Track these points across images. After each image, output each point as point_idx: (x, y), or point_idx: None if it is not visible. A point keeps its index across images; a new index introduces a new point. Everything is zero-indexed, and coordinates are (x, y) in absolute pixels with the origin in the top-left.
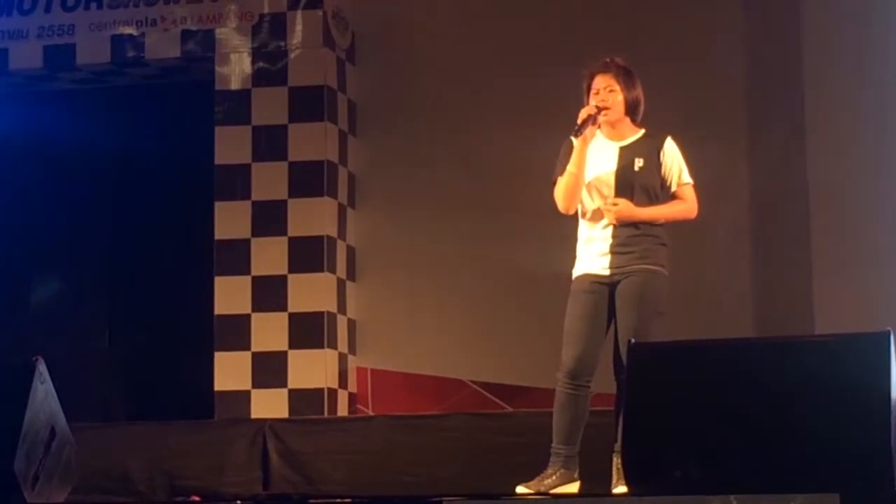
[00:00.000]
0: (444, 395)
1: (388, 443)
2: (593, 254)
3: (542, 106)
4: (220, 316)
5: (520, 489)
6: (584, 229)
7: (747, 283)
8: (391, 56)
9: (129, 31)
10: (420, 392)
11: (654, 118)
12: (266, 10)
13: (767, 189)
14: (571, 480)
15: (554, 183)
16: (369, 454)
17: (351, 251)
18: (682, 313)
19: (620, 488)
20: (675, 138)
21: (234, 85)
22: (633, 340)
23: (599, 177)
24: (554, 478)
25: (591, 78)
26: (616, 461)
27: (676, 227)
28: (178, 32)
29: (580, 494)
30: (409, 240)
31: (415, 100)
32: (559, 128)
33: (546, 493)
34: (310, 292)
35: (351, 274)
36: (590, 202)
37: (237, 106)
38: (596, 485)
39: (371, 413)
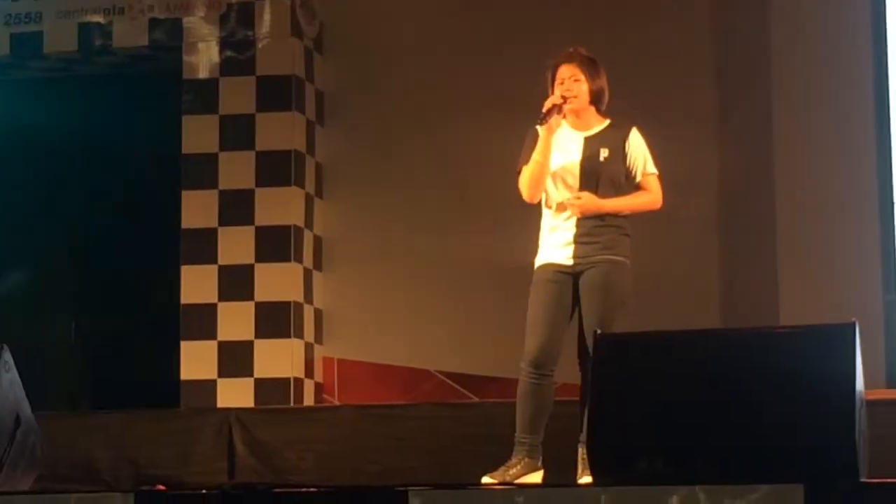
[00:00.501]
0: (411, 385)
1: (354, 433)
2: (557, 243)
3: (510, 95)
4: (186, 305)
5: (485, 479)
6: (548, 219)
7: (714, 274)
8: (359, 46)
9: (97, 19)
10: (386, 382)
11: (622, 109)
12: (234, 0)
13: (734, 181)
14: (535, 469)
15: (518, 172)
16: (335, 444)
17: (318, 241)
18: (649, 304)
19: (586, 478)
20: (641, 129)
21: (202, 74)
22: (598, 331)
23: (564, 166)
24: (518, 467)
25: (556, 68)
26: (581, 451)
27: (644, 217)
28: (146, 21)
29: (545, 484)
30: (376, 230)
31: (383, 89)
32: (528, 117)
33: (511, 483)
34: (277, 282)
35: (318, 264)
36: (554, 192)
37: (205, 95)
38: (561, 475)
39: (337, 403)
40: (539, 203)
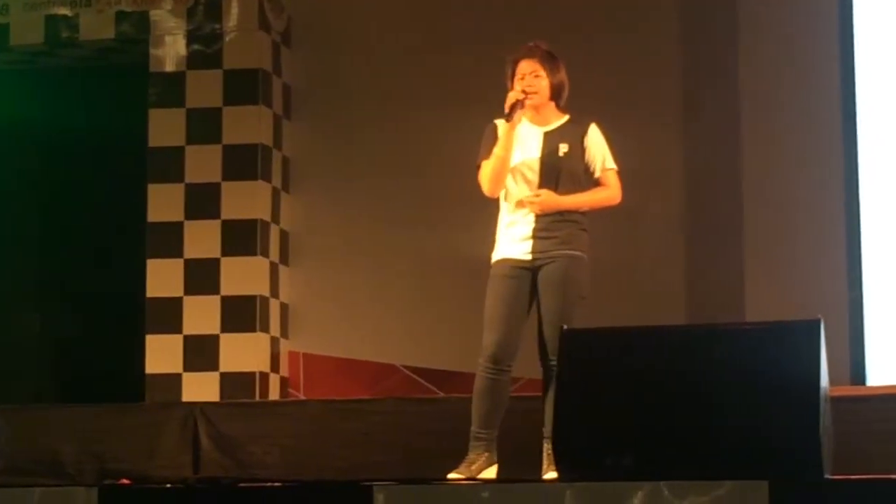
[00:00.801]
0: (376, 379)
1: (319, 427)
2: (515, 238)
3: (477, 90)
4: (151, 298)
5: (451, 476)
6: (506, 213)
7: (680, 271)
8: (327, 40)
9: (64, 11)
10: (352, 377)
11: (588, 105)
12: None
13: (701, 178)
14: (493, 463)
15: (478, 167)
16: (300, 438)
17: (284, 235)
18: (615, 300)
19: (551, 474)
20: (600, 124)
21: (169, 67)
22: (565, 327)
23: (524, 162)
24: (480, 462)
25: (516, 63)
26: (546, 447)
27: (610, 214)
28: (113, 14)
29: (511, 479)
30: (342, 224)
31: (350, 84)
32: (493, 112)
33: (476, 479)
34: (243, 276)
35: (284, 258)
36: (514, 187)
37: (171, 88)
38: (526, 470)
39: (303, 397)
40: (498, 198)
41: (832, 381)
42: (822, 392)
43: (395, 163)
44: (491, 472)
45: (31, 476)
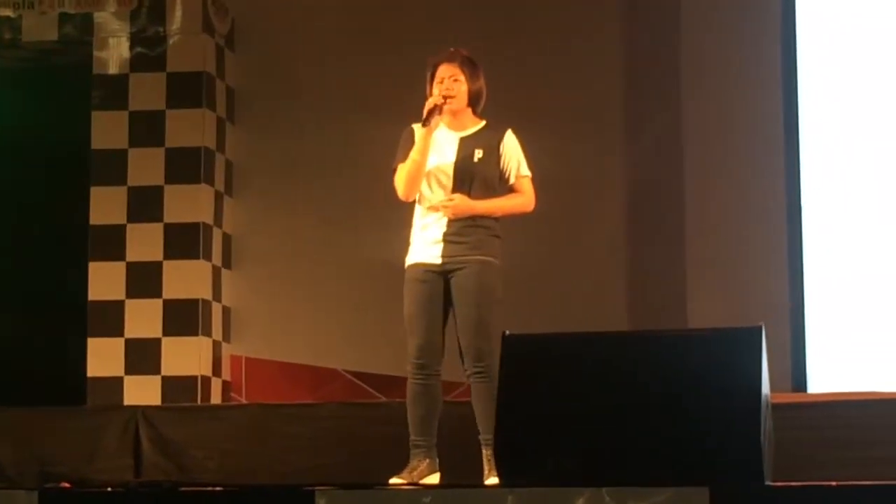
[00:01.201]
0: (318, 384)
1: (261, 431)
2: (426, 242)
3: (421, 93)
4: (93, 301)
5: (393, 481)
6: (419, 217)
7: (622, 278)
8: (271, 43)
9: (6, 12)
10: (294, 381)
11: (530, 112)
12: None
13: (643, 181)
14: (434, 471)
15: (394, 170)
16: (242, 443)
17: (227, 239)
18: (558, 306)
19: (492, 479)
20: (516, 131)
21: (112, 69)
22: (506, 332)
23: (439, 166)
24: (422, 468)
25: (436, 67)
26: (486, 453)
27: (554, 222)
28: (56, 16)
29: (452, 484)
30: (285, 228)
31: (294, 88)
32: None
33: (418, 484)
34: (185, 279)
35: (227, 262)
36: (428, 191)
37: (115, 90)
38: (469, 476)
39: (245, 401)
40: (412, 202)
41: (773, 388)
42: (763, 399)
43: (338, 166)
44: (433, 480)
45: None
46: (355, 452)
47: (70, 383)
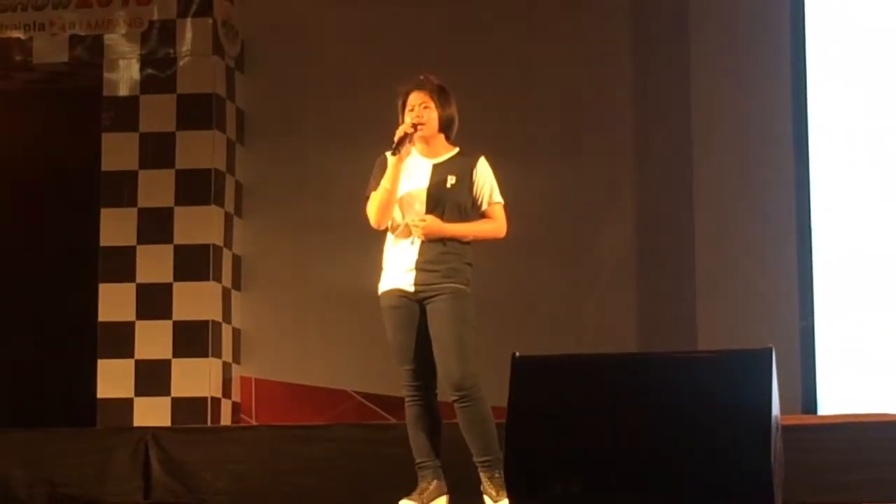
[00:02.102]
0: (328, 405)
1: (270, 453)
2: (399, 269)
3: None
4: (103, 323)
5: (403, 503)
6: (391, 244)
7: (632, 298)
8: (280, 65)
9: (17, 34)
10: (304, 402)
11: (539, 142)
12: (156, 17)
13: (653, 204)
14: (444, 493)
15: (367, 198)
16: (252, 464)
17: (237, 260)
18: (568, 329)
19: (493, 501)
20: (489, 158)
21: (123, 91)
22: (516, 354)
23: (412, 193)
24: (431, 489)
25: (406, 95)
26: (484, 475)
27: (561, 246)
28: (67, 38)
29: None
30: (295, 250)
31: (303, 109)
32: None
33: None
34: (195, 301)
35: (237, 283)
36: (400, 217)
37: (125, 112)
38: (476, 498)
39: (254, 423)
40: (385, 229)
41: (784, 410)
42: (773, 421)
43: (348, 188)
44: (442, 502)
45: None
46: (365, 474)
47: (80, 405)
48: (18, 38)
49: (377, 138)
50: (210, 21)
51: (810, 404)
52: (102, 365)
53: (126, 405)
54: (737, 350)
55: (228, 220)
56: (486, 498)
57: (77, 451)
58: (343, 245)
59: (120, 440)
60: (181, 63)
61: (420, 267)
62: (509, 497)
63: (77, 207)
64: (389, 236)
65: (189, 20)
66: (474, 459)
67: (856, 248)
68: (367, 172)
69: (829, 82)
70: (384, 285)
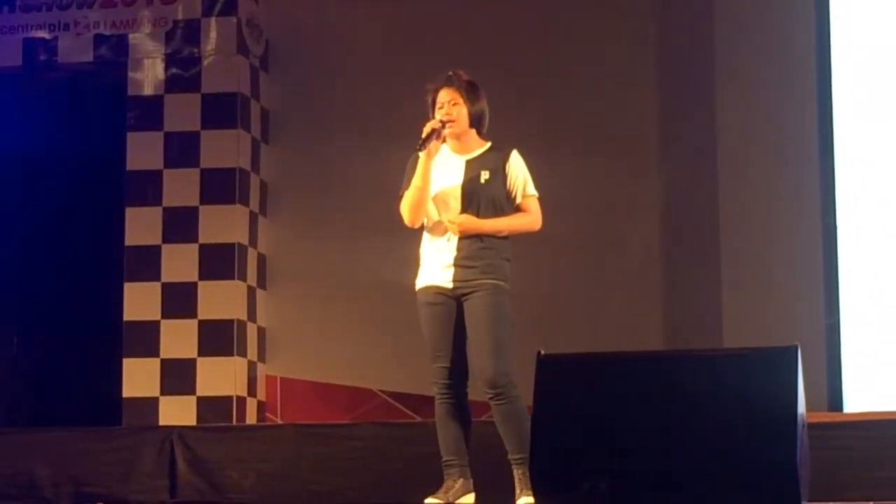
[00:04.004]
0: (353, 404)
1: (296, 452)
2: (437, 266)
3: None
4: (129, 322)
5: (428, 501)
6: (428, 241)
7: (657, 298)
8: (305, 64)
9: (42, 34)
10: (329, 401)
11: (565, 136)
12: (180, 17)
13: (678, 205)
14: (469, 491)
15: (400, 197)
16: (277, 463)
17: (262, 259)
18: (592, 327)
19: (526, 499)
20: (521, 151)
21: (147, 91)
22: (541, 352)
23: (446, 189)
24: (456, 487)
25: (436, 92)
26: (517, 472)
27: (586, 242)
28: (91, 37)
29: None
30: (319, 248)
31: (328, 108)
32: None
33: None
34: (220, 300)
35: (261, 282)
36: (436, 215)
37: (150, 112)
38: (502, 496)
39: (280, 421)
40: (421, 227)
41: (809, 408)
42: (799, 418)
43: (373, 187)
44: (468, 500)
45: (8, 500)
46: (390, 473)
47: (106, 404)
48: (43, 38)
49: (401, 136)
50: (234, 20)
51: (836, 401)
52: (128, 364)
53: (151, 404)
54: (763, 348)
55: (253, 218)
56: (517, 495)
57: (103, 450)
58: (367, 243)
59: (145, 439)
60: (206, 62)
61: (458, 263)
62: (535, 495)
63: (102, 207)
64: (426, 234)
65: (213, 19)
66: (508, 457)
67: (881, 245)
68: (392, 171)
69: (854, 79)
70: (421, 282)
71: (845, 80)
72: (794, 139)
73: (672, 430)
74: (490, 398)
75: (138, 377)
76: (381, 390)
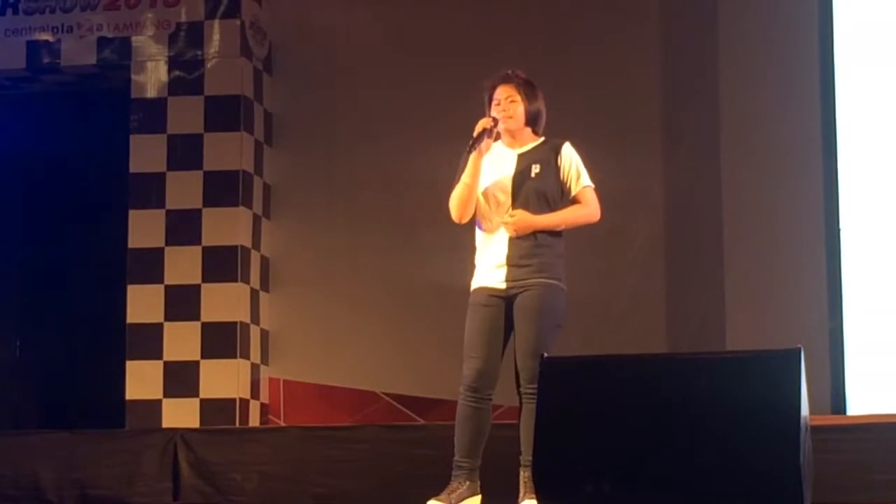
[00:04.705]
0: (357, 406)
1: (299, 454)
2: (490, 266)
3: (459, 117)
4: (132, 324)
5: (431, 503)
6: (481, 239)
7: (660, 300)
8: (308, 67)
9: (45, 37)
10: (332, 404)
11: (567, 129)
12: (183, 19)
13: (681, 202)
14: (475, 493)
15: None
16: (280, 465)
17: (265, 262)
18: (595, 329)
19: (529, 501)
20: (586, 150)
21: (150, 93)
22: (544, 355)
23: (496, 183)
24: (461, 490)
25: (493, 89)
26: (523, 474)
27: (590, 240)
28: (95, 40)
29: None
30: (323, 251)
31: (331, 111)
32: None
33: None
34: (223, 302)
35: (265, 284)
36: (487, 210)
37: (153, 114)
38: (505, 498)
39: (283, 424)
40: (471, 223)
41: (813, 410)
42: (802, 421)
43: (377, 190)
44: (474, 503)
45: (12, 502)
46: (394, 475)
47: (109, 406)
48: (47, 41)
49: (404, 137)
50: (238, 23)
51: (839, 404)
52: (131, 366)
53: (155, 406)
54: (766, 351)
55: (256, 221)
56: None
57: (106, 452)
58: (371, 246)
59: (149, 441)
60: (209, 65)
61: (511, 262)
62: (538, 497)
63: (105, 209)
64: (479, 233)
65: (217, 22)
66: (521, 456)
67: (884, 247)
68: (395, 171)
69: (858, 80)
70: (475, 282)
71: (850, 82)
72: (798, 142)
73: (675, 433)
74: (525, 394)
75: (141, 379)
76: (384, 393)
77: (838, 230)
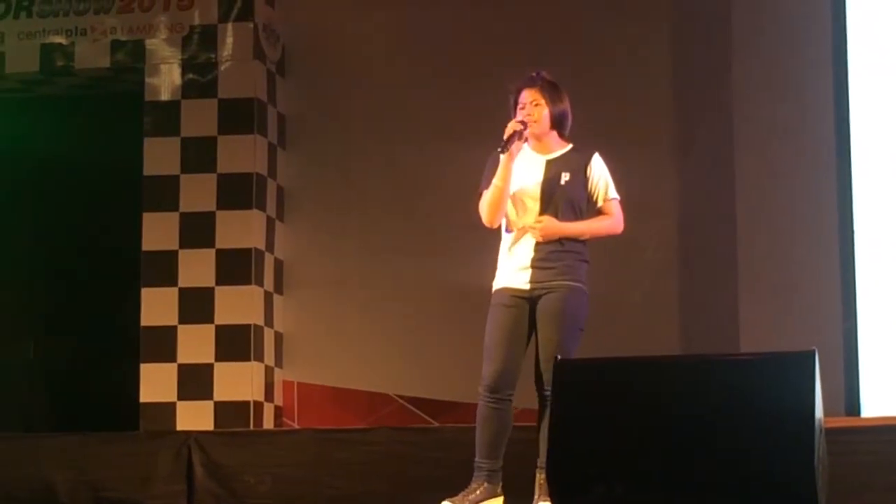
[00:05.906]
0: (371, 409)
1: (313, 457)
2: (514, 267)
3: (472, 120)
4: (146, 327)
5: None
6: (507, 242)
7: (674, 301)
8: (321, 70)
9: (59, 40)
10: (346, 406)
11: (582, 135)
12: (197, 22)
13: (695, 207)
14: (495, 495)
15: (479, 196)
16: (295, 468)
17: (279, 264)
18: (609, 330)
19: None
20: (602, 154)
21: (164, 96)
22: (558, 357)
23: (525, 189)
24: (478, 492)
25: (518, 92)
26: (539, 476)
27: (605, 244)
28: (108, 42)
29: None
30: (337, 253)
31: (344, 113)
32: (489, 142)
33: None
34: (237, 305)
35: (279, 287)
36: (514, 215)
37: (166, 117)
38: (519, 500)
39: (297, 426)
40: (498, 228)
41: (827, 412)
42: (816, 423)
43: (390, 192)
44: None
45: None
46: (407, 478)
47: (123, 409)
48: (60, 44)
49: (418, 140)
50: (251, 25)
51: (854, 406)
52: (145, 369)
53: (169, 409)
54: (780, 353)
55: (270, 223)
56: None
57: (120, 455)
58: (384, 248)
59: (163, 444)
60: (222, 67)
61: (535, 265)
62: (551, 498)
63: (119, 212)
64: (505, 235)
65: (230, 24)
66: (538, 458)
67: None
68: (409, 173)
69: (872, 81)
70: (498, 283)
71: (864, 84)
72: (811, 143)
73: (689, 434)
74: (545, 396)
75: (156, 382)
76: (398, 395)
77: (852, 231)
